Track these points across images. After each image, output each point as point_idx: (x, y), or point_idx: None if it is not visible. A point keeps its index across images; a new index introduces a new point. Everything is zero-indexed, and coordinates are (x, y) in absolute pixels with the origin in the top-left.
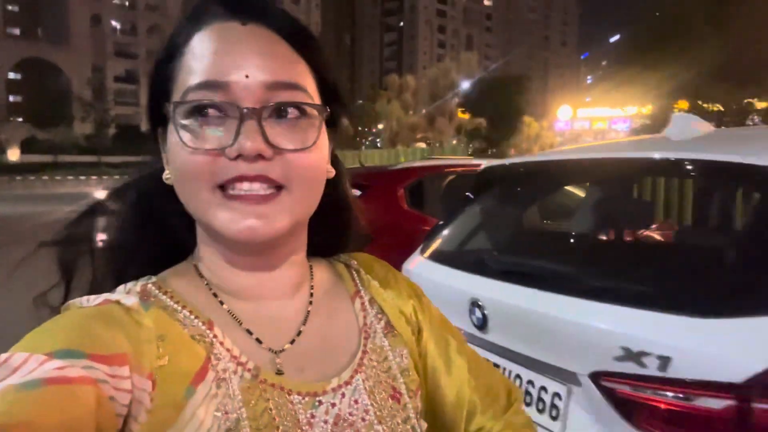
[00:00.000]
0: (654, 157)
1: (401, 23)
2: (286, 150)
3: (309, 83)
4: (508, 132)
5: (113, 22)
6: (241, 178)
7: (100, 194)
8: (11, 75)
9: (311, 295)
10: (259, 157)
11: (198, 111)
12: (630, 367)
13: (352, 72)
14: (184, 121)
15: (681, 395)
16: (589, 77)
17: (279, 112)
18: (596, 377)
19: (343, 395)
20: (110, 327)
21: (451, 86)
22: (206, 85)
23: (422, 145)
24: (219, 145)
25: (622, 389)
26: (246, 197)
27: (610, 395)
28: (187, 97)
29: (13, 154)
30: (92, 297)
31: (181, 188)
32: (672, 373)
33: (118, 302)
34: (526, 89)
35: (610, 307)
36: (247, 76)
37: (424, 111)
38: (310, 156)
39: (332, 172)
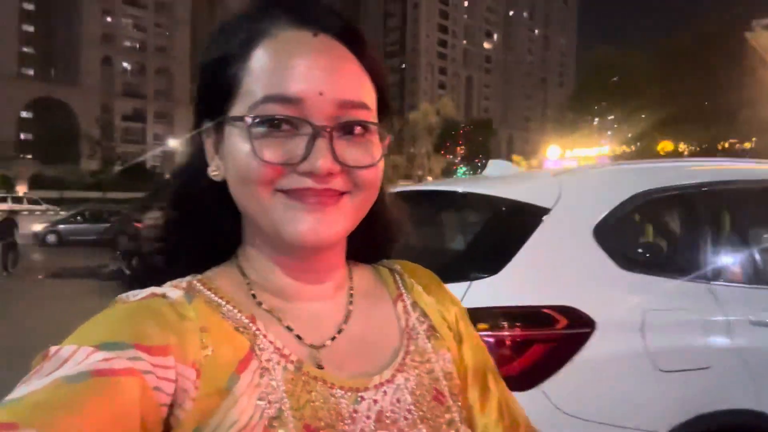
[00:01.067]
0: (450, 190)
1: (403, 65)
2: (353, 167)
3: (372, 100)
4: (477, 170)
5: (123, 63)
6: (309, 191)
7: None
8: (23, 114)
9: (351, 296)
10: (328, 173)
11: (268, 122)
12: None
13: None
14: (254, 130)
15: None
16: (596, 119)
17: (346, 128)
18: None
19: (385, 393)
20: (155, 319)
21: (429, 128)
22: (279, 99)
23: (407, 182)
24: (288, 159)
25: None
26: (309, 201)
27: None
28: (258, 107)
29: (21, 190)
30: (138, 291)
31: (239, 190)
32: None
33: (163, 295)
34: (494, 132)
35: None
36: (321, 94)
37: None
38: (374, 171)
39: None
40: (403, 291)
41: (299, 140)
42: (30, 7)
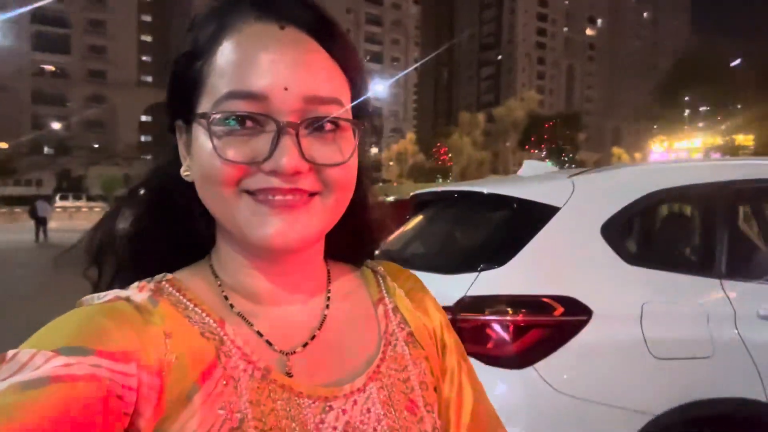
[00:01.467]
0: (469, 189)
1: (499, 57)
2: (322, 165)
3: (344, 95)
4: (564, 166)
5: None
6: (275, 190)
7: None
8: (143, 118)
9: (328, 299)
10: (295, 172)
11: (232, 119)
12: None
13: (449, 107)
14: (216, 128)
15: None
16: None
17: (314, 124)
18: None
19: (355, 402)
20: (118, 324)
21: (515, 123)
22: (242, 95)
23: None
24: (253, 157)
25: None
26: (276, 203)
27: None
28: (221, 104)
29: None
30: (102, 294)
31: (204, 191)
32: None
33: (127, 299)
34: (582, 126)
35: (421, 273)
36: (286, 89)
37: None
38: (344, 170)
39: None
40: (385, 294)
41: (264, 138)
42: (147, 18)
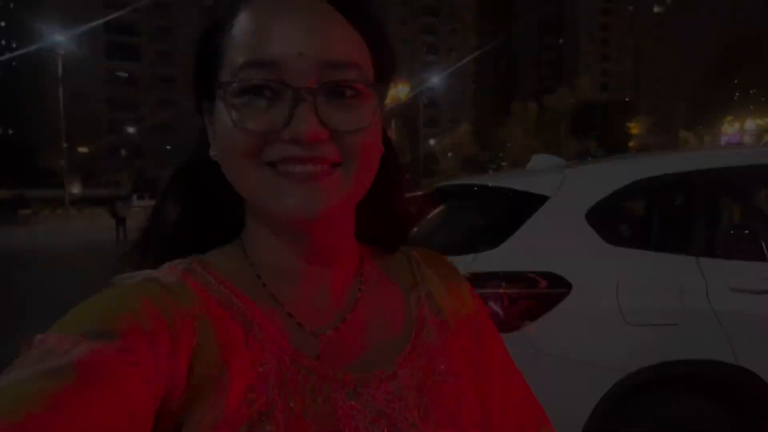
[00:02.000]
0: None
1: (560, 40)
2: (342, 131)
3: (364, 59)
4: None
5: None
6: (295, 159)
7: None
8: None
9: (360, 283)
10: (315, 140)
11: (249, 89)
12: None
13: (509, 95)
14: (234, 100)
15: None
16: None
17: (333, 91)
18: None
19: (386, 389)
20: (146, 305)
21: (566, 112)
22: (257, 64)
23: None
24: (271, 126)
25: None
26: (298, 175)
27: None
28: (237, 75)
29: None
30: (132, 274)
31: (227, 165)
32: None
33: (156, 279)
34: (633, 113)
35: None
36: (300, 54)
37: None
38: (366, 136)
39: (381, 150)
40: (419, 280)
41: (282, 106)
42: None
